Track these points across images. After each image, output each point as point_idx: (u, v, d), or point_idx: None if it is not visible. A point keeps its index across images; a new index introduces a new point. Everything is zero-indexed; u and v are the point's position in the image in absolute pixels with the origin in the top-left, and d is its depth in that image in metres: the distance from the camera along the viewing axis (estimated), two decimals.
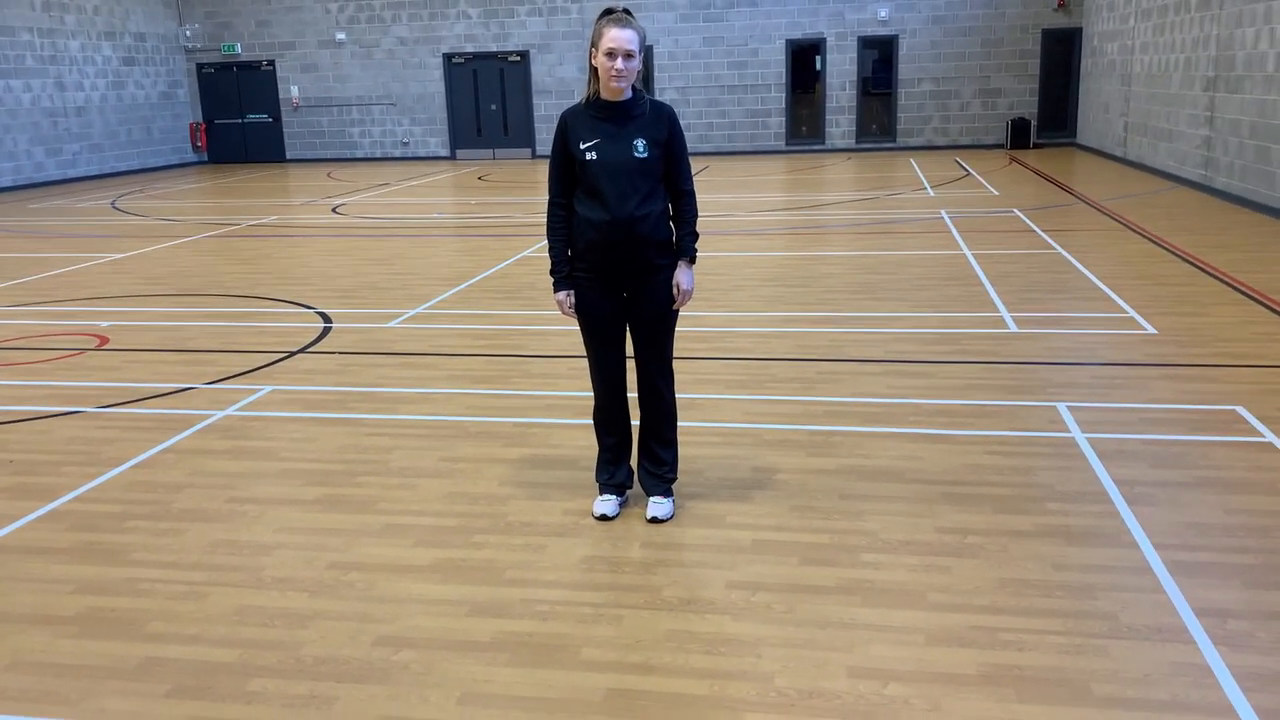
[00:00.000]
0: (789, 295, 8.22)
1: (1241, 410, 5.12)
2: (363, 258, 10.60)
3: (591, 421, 4.25)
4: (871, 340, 6.73)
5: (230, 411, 5.63)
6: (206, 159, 25.02)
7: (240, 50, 24.26)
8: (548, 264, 4.08)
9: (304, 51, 24.06)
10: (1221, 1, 13.00)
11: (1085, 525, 3.93)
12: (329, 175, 20.82)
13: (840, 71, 22.23)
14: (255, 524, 4.18)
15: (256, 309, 8.30)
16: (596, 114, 3.85)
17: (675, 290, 3.98)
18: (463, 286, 8.92)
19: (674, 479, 4.20)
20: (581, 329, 4.09)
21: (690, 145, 24.35)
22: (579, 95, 3.97)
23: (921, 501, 4.19)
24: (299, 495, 4.46)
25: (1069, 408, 5.25)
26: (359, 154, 24.41)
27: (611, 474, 4.20)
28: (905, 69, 21.97)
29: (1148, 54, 16.32)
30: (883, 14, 21.69)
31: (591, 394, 4.20)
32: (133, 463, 4.89)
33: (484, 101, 23.73)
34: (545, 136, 23.27)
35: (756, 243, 10.91)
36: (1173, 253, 9.40)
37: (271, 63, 24.28)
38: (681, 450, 4.37)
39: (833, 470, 4.54)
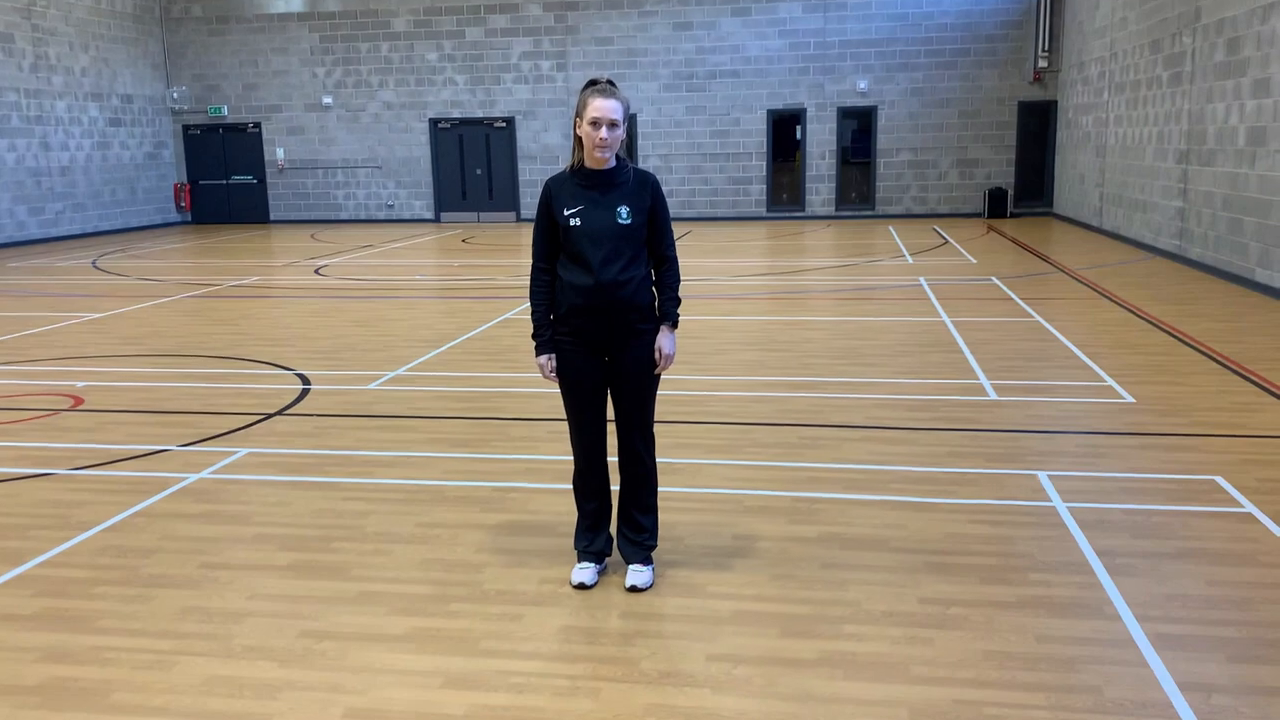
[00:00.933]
0: (771, 360, 8.24)
1: (1220, 480, 5.13)
2: (344, 319, 10.58)
3: (571, 487, 4.21)
4: (853, 405, 6.73)
5: (205, 474, 5.55)
6: (190, 219, 25.06)
7: (227, 112, 24.45)
8: (530, 326, 4.08)
9: (291, 114, 24.28)
10: (1192, 77, 13.32)
11: (1068, 596, 3.90)
12: (313, 237, 20.88)
13: (820, 141, 22.58)
14: (226, 590, 4.09)
15: (235, 370, 8.24)
16: (581, 181, 3.89)
17: (657, 354, 3.98)
18: (444, 348, 8.89)
19: (653, 546, 4.15)
20: (562, 393, 4.07)
21: (673, 211, 24.54)
22: (563, 160, 4.03)
23: (904, 571, 4.15)
24: (272, 561, 4.38)
25: (1050, 476, 5.24)
26: (343, 216, 24.51)
27: (590, 541, 4.15)
28: (884, 139, 22.34)
29: (1122, 127, 16.66)
30: (862, 86, 22.12)
31: (571, 458, 4.17)
32: (103, 526, 4.80)
33: (469, 166, 23.95)
34: (530, 200, 23.45)
35: (738, 307, 10.97)
36: (1149, 322, 9.50)
37: (258, 125, 24.47)
38: (662, 516, 4.33)
39: (814, 538, 4.51)
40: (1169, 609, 3.77)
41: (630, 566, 4.09)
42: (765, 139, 22.72)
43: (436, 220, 24.14)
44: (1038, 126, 21.83)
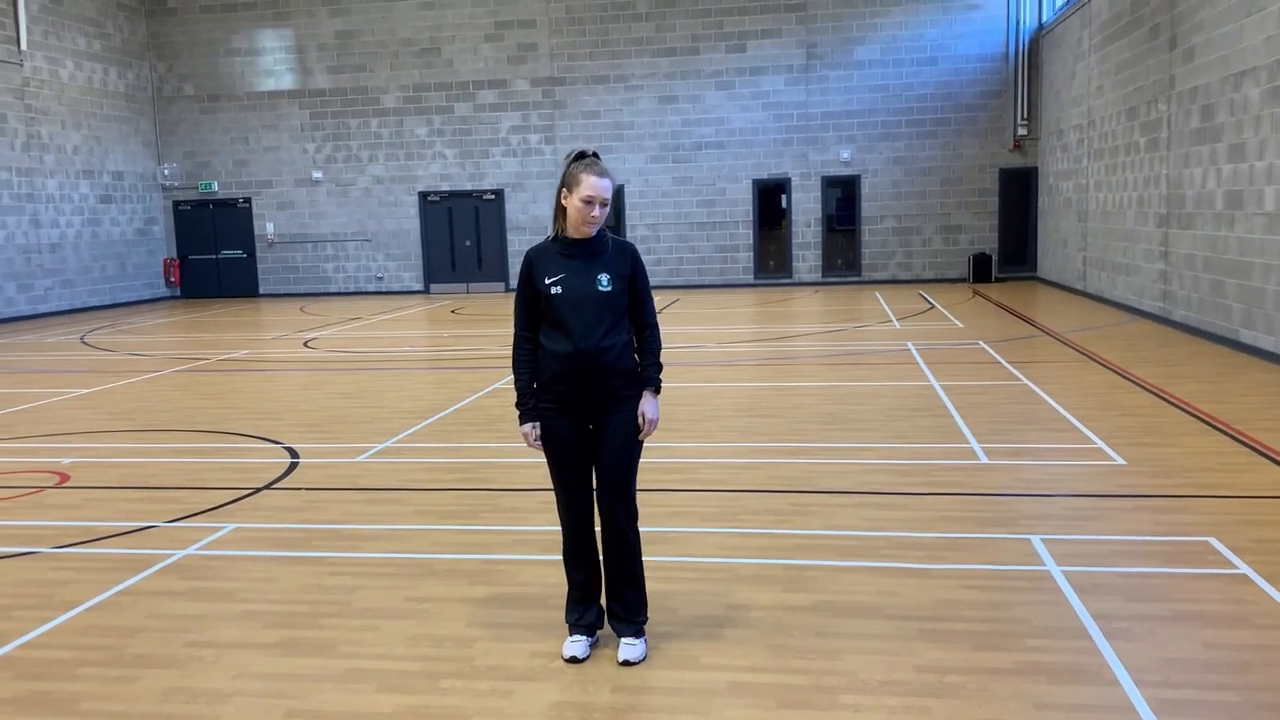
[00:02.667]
0: (760, 426, 8.23)
1: (1214, 541, 5.11)
2: (333, 391, 10.56)
3: (561, 558, 4.17)
4: (843, 471, 6.71)
5: (191, 550, 5.49)
6: (180, 294, 25.13)
7: (217, 188, 24.66)
8: (515, 397, 4.08)
9: (281, 190, 24.50)
10: (1169, 143, 13.58)
11: (1065, 662, 3.85)
12: (302, 310, 20.93)
13: (805, 209, 22.86)
14: (212, 669, 4.02)
15: (223, 444, 8.19)
16: (562, 250, 3.95)
17: (641, 420, 3.98)
18: (433, 419, 8.87)
19: (644, 619, 4.10)
20: (548, 460, 4.06)
21: (661, 279, 24.74)
22: (552, 230, 4.05)
23: (899, 639, 4.10)
24: (258, 638, 4.31)
25: (1043, 540, 5.22)
26: (333, 289, 24.61)
27: (581, 614, 4.10)
28: (868, 207, 22.63)
29: (1102, 192, 16.92)
30: (845, 155, 22.46)
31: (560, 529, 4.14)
32: (87, 605, 4.72)
33: (459, 237, 24.13)
34: (519, 271, 23.58)
35: (727, 373, 10.99)
36: (1136, 383, 9.54)
37: (248, 200, 24.67)
38: (654, 586, 4.29)
39: (808, 606, 4.46)
40: (1168, 673, 3.73)
41: (622, 640, 4.03)
42: (751, 208, 22.99)
43: (426, 292, 24.25)
44: (1019, 193, 22.15)
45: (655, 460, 7.23)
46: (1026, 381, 9.79)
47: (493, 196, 23.78)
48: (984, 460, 6.93)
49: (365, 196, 24.22)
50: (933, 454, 7.15)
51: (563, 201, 3.92)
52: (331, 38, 23.86)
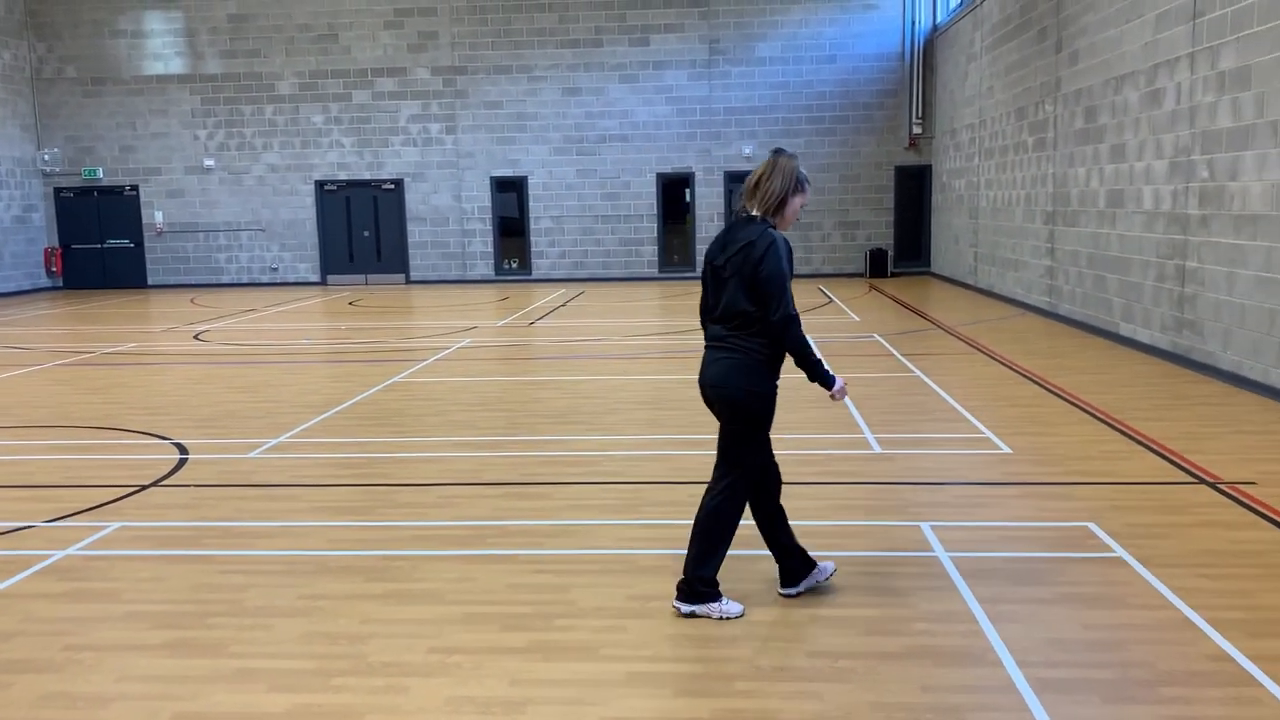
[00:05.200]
0: (663, 418, 8.28)
1: (1093, 527, 5.33)
2: (225, 385, 10.26)
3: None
4: None
5: (71, 551, 5.28)
6: (62, 285, 24.10)
7: (102, 175, 23.71)
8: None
9: (170, 177, 23.68)
10: (1055, 143, 14.08)
11: (952, 645, 3.97)
12: (193, 301, 20.28)
13: (709, 204, 23.05)
14: (92, 673, 3.87)
15: (107, 441, 7.89)
16: None
17: None
18: (329, 414, 8.69)
19: (683, 581, 4.31)
20: (768, 422, 4.28)
21: (566, 272, 24.71)
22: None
23: (793, 625, 4.18)
24: (143, 640, 4.17)
25: (932, 527, 5.37)
26: (226, 280, 23.91)
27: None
28: None
29: (992, 190, 17.47)
30: (747, 151, 22.72)
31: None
32: None
33: (357, 228, 23.68)
34: (420, 262, 23.30)
35: (631, 366, 11.02)
36: (1023, 375, 9.88)
37: (135, 188, 23.78)
38: (553, 580, 4.30)
39: None
40: (1048, 654, 3.88)
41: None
42: (656, 201, 23.09)
43: (323, 283, 23.74)
44: (914, 190, 22.72)
45: (558, 454, 7.22)
46: (919, 373, 10.05)
47: (392, 186, 23.38)
48: (877, 450, 7.09)
49: (260, 185, 23.57)
50: (828, 444, 7.29)
51: (792, 198, 4.21)
52: (224, 21, 23.14)
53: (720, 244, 4.27)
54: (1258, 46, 8.73)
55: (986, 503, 5.85)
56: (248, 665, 3.92)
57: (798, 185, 4.21)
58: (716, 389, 4.25)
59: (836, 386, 4.33)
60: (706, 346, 4.35)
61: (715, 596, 4.26)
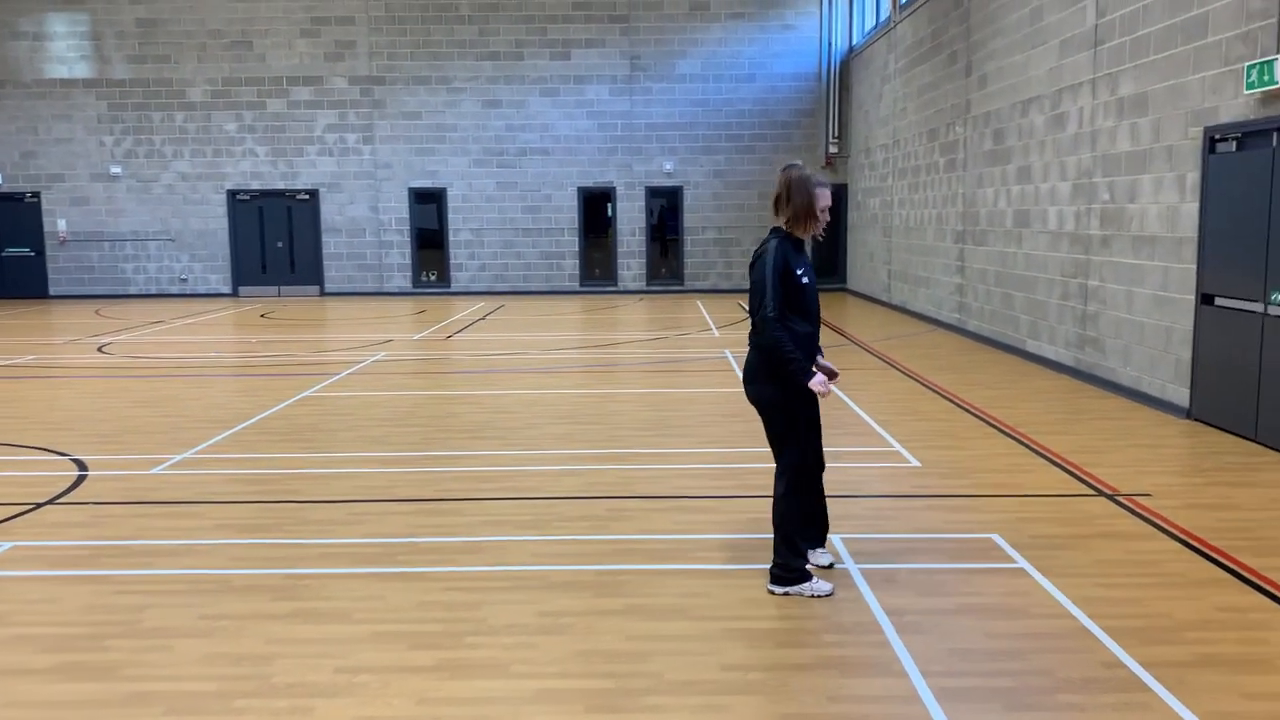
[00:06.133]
0: (580, 433, 8.26)
1: (997, 538, 5.46)
2: (128, 399, 9.95)
3: None
4: (660, 476, 6.82)
5: None
6: None
7: (2, 181, 22.87)
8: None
9: (74, 184, 22.94)
10: (965, 164, 14.45)
11: (859, 656, 4.03)
12: (97, 313, 19.64)
13: (630, 219, 23.13)
14: None
15: (1, 457, 7.58)
16: (796, 247, 4.68)
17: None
18: (237, 429, 8.48)
19: (774, 566, 4.68)
20: (797, 418, 4.66)
21: (486, 285, 24.53)
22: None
23: (706, 639, 4.19)
24: (30, 664, 4.00)
25: (843, 539, 5.45)
26: (133, 290, 23.21)
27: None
28: (690, 218, 23.11)
29: (905, 209, 17.85)
30: (668, 166, 22.87)
31: None
32: None
33: (270, 239, 23.21)
34: (335, 274, 22.92)
35: (549, 381, 10.98)
36: (934, 390, 10.09)
37: (36, 194, 22.98)
38: (465, 597, 4.24)
39: (619, 611, 4.50)
40: (951, 664, 3.95)
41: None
42: (577, 215, 23.09)
43: (234, 294, 23.20)
44: (831, 208, 23.02)
45: (472, 469, 7.15)
46: (834, 388, 10.19)
47: (307, 197, 22.98)
48: None
49: (169, 194, 22.97)
50: (745, 458, 7.35)
51: (811, 206, 4.60)
52: (132, 25, 22.54)
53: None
54: (1154, 74, 9.08)
55: (895, 515, 5.95)
56: (143, 689, 3.79)
57: (814, 189, 4.61)
58: (745, 387, 4.85)
59: (812, 382, 4.53)
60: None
61: (805, 577, 4.64)
